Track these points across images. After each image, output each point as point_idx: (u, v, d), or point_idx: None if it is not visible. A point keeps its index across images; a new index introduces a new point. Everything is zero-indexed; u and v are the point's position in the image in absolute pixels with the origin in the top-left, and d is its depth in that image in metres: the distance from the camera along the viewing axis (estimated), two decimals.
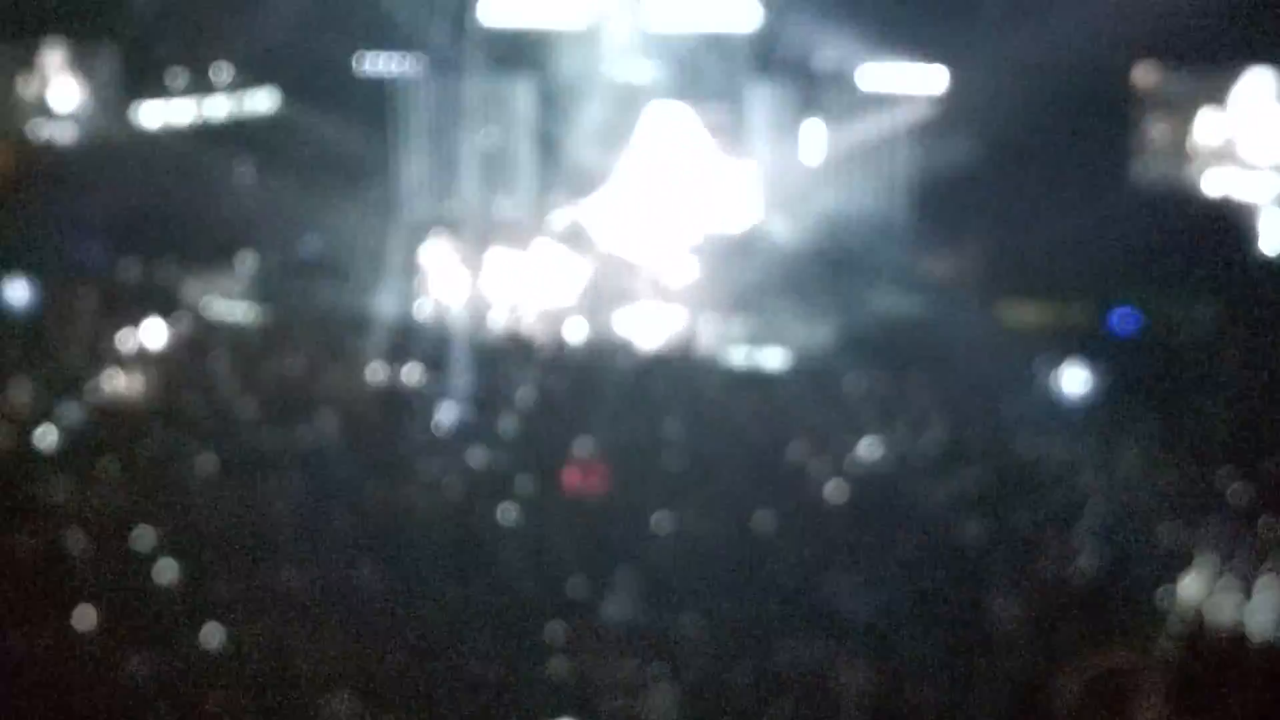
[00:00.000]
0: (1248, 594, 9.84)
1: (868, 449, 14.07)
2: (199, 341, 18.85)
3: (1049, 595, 10.31)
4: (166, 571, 10.63)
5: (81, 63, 23.32)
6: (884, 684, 8.72)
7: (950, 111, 21.24)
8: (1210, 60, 18.38)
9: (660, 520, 11.66)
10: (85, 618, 9.68)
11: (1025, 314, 19.48)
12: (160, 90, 23.82)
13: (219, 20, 23.32)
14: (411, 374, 16.97)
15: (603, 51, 22.58)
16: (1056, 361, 16.87)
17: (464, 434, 14.92)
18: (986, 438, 14.36)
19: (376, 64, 24.62)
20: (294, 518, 12.07)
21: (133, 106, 23.25)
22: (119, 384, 16.56)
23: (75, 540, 11.20)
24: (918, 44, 21.14)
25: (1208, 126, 18.52)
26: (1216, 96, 18.43)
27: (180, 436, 14.35)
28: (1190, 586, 10.08)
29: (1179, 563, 10.60)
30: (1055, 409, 16.17)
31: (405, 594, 10.30)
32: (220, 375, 16.89)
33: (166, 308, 20.02)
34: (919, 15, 20.48)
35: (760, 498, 12.31)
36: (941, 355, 17.40)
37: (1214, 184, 18.65)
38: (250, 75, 24.63)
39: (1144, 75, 18.78)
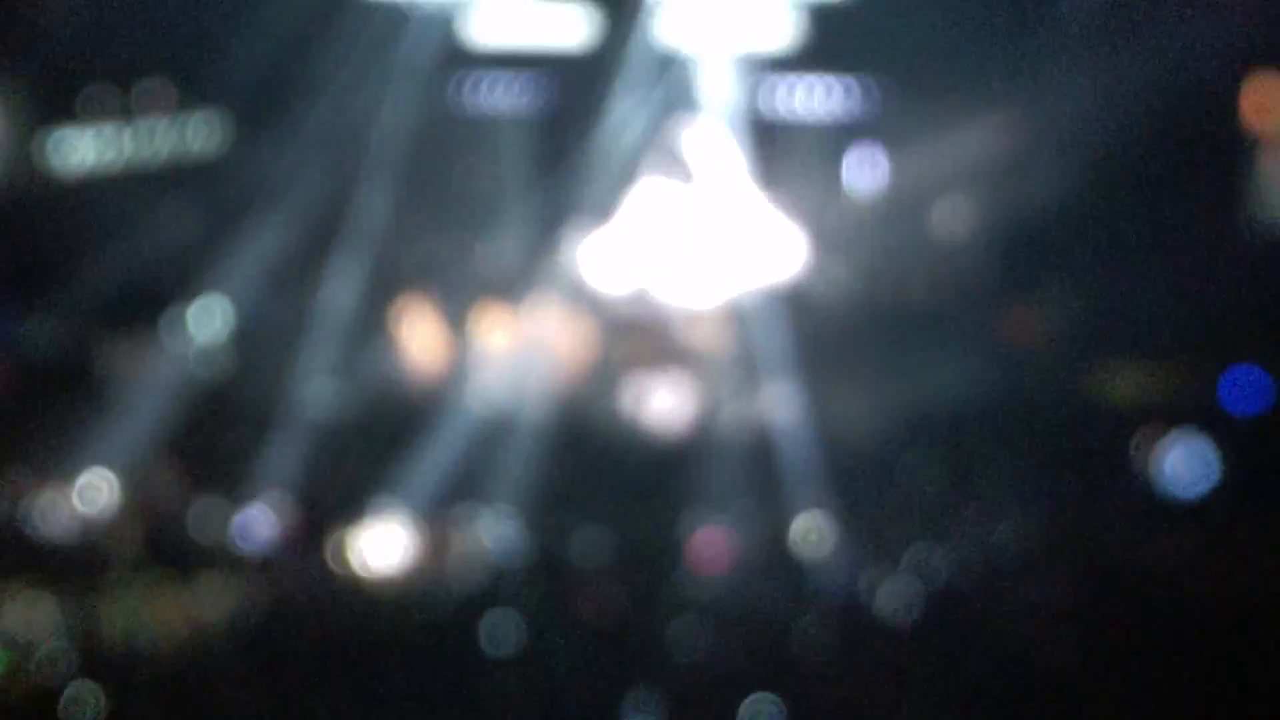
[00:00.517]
0: None
1: (930, 553, 14.14)
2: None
3: None
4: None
5: None
6: None
7: (1031, 142, 21.44)
8: None
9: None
10: None
11: (1123, 383, 19.53)
12: (80, 116, 24.13)
13: (156, 31, 23.67)
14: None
15: (610, 72, 22.92)
16: (1162, 442, 16.90)
17: None
18: (1076, 538, 14.36)
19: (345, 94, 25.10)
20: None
21: (44, 136, 23.54)
22: None
23: None
24: (994, 61, 21.42)
25: None
26: None
27: None
28: None
29: None
30: (1161, 501, 16.20)
31: None
32: None
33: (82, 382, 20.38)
34: (994, 25, 20.81)
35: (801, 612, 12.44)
36: (1022, 433, 17.49)
37: None
38: (194, 98, 24.97)
39: (1262, 97, 18.96)
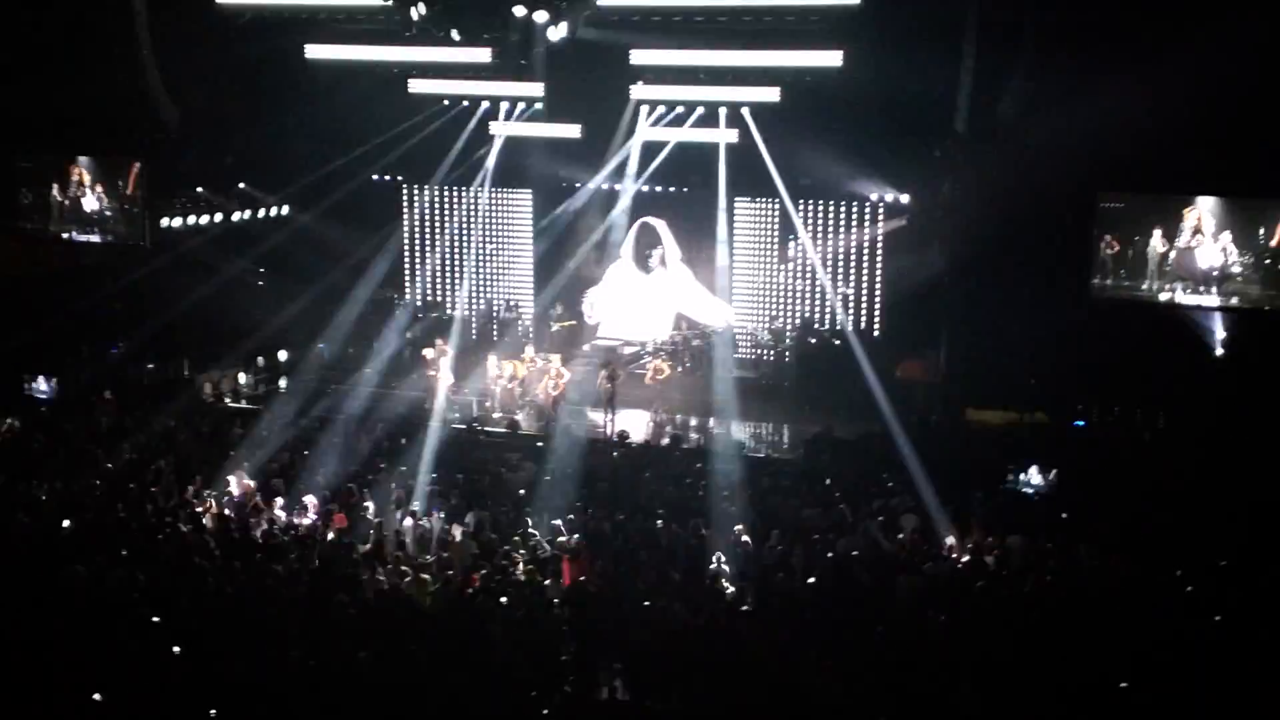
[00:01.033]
0: None
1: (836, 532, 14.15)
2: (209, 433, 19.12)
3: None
4: None
5: (109, 175, 23.78)
6: None
7: (923, 229, 21.70)
8: (1161, 188, 18.89)
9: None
10: None
11: (989, 417, 19.70)
12: (181, 200, 24.23)
13: (236, 137, 23.85)
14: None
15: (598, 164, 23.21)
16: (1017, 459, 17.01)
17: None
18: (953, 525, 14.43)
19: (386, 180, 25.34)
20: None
21: (155, 214, 23.62)
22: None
23: None
24: (891, 166, 21.74)
25: (1158, 246, 18.92)
26: (1167, 220, 18.87)
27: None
28: None
29: None
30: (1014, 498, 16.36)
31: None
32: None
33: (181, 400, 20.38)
34: (893, 141, 21.13)
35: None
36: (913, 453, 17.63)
37: (1163, 297, 19.00)
38: (265, 186, 25.10)
39: (1103, 201, 19.21)
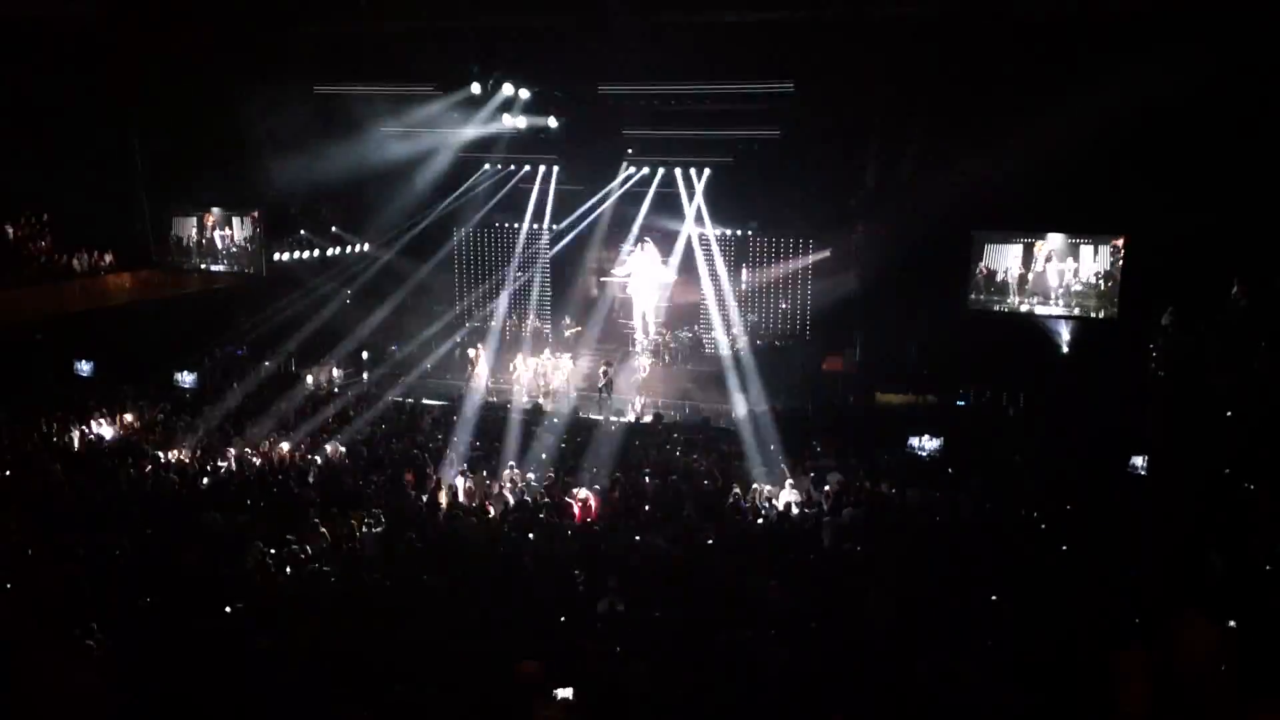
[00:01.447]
0: None
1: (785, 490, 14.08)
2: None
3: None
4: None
5: (234, 221, 23.69)
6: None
7: (843, 258, 21.70)
8: (1019, 226, 18.91)
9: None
10: None
11: (893, 398, 19.68)
12: (289, 239, 24.15)
13: (335, 191, 23.75)
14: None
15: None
16: (915, 429, 17.03)
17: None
18: (866, 485, 14.36)
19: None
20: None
21: (269, 250, 23.54)
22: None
23: None
24: (817, 212, 21.74)
25: (1016, 270, 18.91)
26: (1023, 250, 18.87)
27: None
28: None
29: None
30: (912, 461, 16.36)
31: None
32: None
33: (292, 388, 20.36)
34: (818, 193, 21.15)
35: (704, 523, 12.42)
36: (832, 424, 17.60)
37: (1023, 308, 19.03)
38: (354, 227, 25.03)
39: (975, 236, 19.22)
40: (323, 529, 11.86)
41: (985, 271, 19.12)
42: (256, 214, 23.34)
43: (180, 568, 10.34)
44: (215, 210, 23.67)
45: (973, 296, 19.20)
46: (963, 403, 19.14)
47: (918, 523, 12.69)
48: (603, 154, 22.36)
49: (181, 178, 22.72)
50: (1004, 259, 19.02)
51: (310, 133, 20.58)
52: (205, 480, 14.36)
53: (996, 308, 19.08)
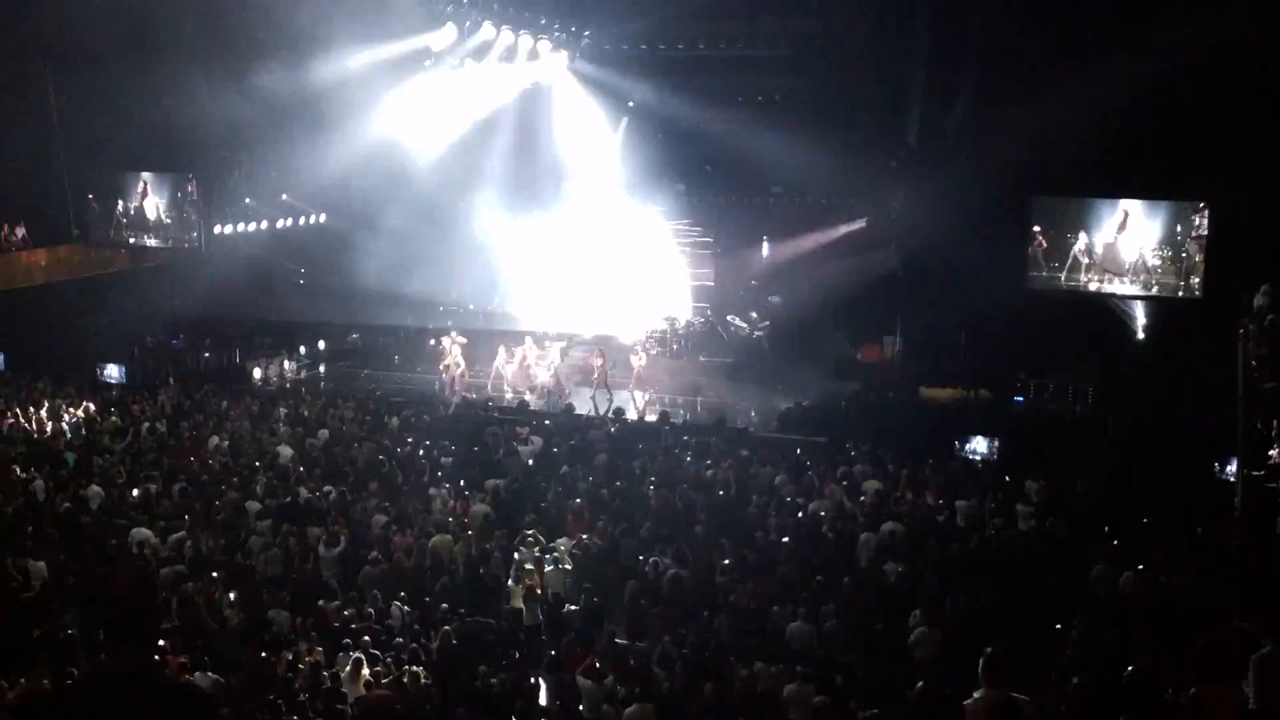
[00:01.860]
0: None
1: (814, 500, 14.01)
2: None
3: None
4: None
5: (166, 188, 23.60)
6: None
7: (880, 231, 21.64)
8: (1088, 192, 18.81)
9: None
10: None
11: (940, 394, 19.66)
12: (234, 209, 24.07)
13: (280, 157, 23.58)
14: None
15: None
16: (965, 430, 16.97)
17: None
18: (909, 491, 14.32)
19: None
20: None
21: (206, 223, 23.43)
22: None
23: None
24: (850, 175, 21.62)
25: (1084, 242, 18.82)
26: (1093, 219, 18.79)
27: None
28: None
29: None
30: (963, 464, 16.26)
31: None
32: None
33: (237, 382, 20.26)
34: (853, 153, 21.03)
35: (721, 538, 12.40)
36: (873, 425, 17.56)
37: (1091, 287, 18.93)
38: (303, 200, 24.92)
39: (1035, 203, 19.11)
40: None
41: (1046, 244, 19.04)
42: (192, 177, 23.17)
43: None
44: (146, 175, 23.50)
45: (1032, 274, 19.10)
46: (1020, 399, 19.09)
47: (968, 540, 12.64)
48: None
49: (105, 134, 22.41)
50: (1068, 229, 18.94)
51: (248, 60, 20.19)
52: (135, 492, 14.30)
53: (1060, 286, 18.99)
